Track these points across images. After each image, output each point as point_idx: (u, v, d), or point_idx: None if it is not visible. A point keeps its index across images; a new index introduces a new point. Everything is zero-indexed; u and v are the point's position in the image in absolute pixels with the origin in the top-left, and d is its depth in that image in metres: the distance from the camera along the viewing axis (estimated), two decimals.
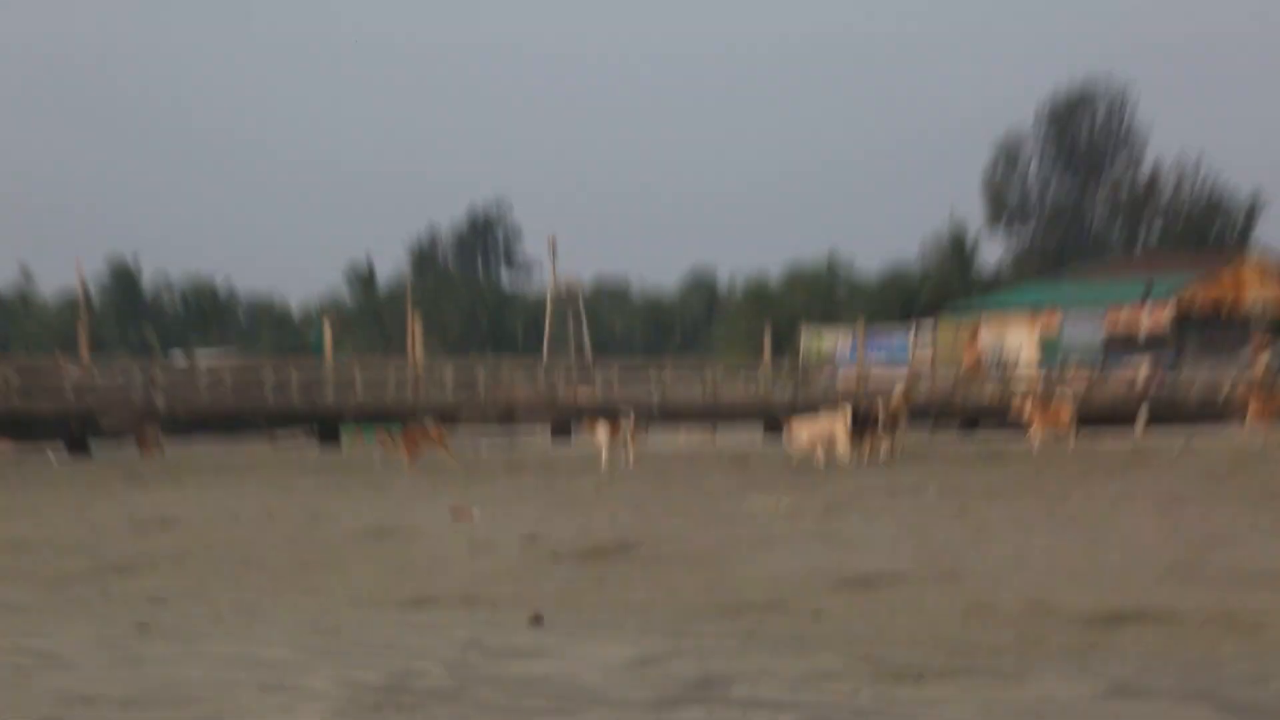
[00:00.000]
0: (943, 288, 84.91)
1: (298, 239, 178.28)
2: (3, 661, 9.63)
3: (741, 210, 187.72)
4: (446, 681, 8.60)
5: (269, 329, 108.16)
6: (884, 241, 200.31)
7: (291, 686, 8.54)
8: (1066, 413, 31.00)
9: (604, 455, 28.54)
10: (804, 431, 27.01)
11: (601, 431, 29.21)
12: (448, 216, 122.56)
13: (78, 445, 42.14)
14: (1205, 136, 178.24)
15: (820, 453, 26.62)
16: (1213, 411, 47.03)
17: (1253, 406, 31.65)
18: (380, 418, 45.33)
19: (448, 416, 44.98)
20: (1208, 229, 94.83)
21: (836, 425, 27.07)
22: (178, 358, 58.15)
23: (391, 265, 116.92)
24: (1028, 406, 31.76)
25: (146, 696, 8.39)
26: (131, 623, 11.05)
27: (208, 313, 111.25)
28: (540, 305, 77.48)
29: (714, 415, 45.34)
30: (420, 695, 8.26)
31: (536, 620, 10.74)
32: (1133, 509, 17.26)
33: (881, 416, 28.21)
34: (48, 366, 48.74)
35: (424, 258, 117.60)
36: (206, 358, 57.09)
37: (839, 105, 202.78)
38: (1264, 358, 51.80)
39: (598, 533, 16.20)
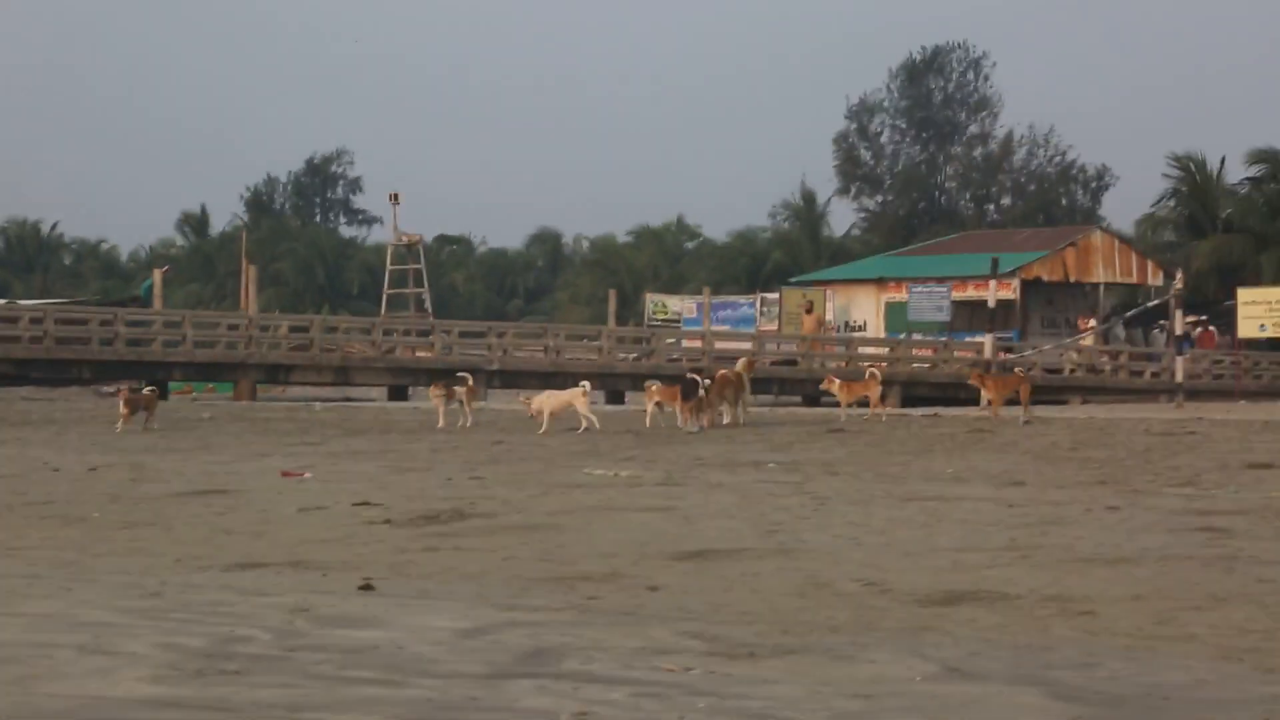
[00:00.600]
0: (792, 254, 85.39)
1: (129, 185, 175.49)
2: None
3: (589, 171, 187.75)
4: (272, 648, 8.43)
5: (97, 276, 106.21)
6: (733, 206, 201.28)
7: (111, 649, 8.33)
8: (875, 389, 31.06)
9: (441, 418, 28.30)
10: (544, 404, 27.20)
11: (438, 393, 28.95)
12: (285, 169, 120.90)
13: None
14: (1057, 107, 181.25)
15: (547, 424, 26.66)
16: (1056, 387, 47.75)
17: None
18: (211, 370, 44.72)
19: (280, 372, 44.48)
20: (1057, 201, 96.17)
21: (576, 399, 27.32)
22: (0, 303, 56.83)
23: (227, 215, 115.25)
24: (834, 384, 31.86)
25: None
26: None
27: (31, 255, 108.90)
28: (380, 260, 76.84)
29: (555, 379, 45.20)
30: (244, 661, 8.09)
31: (366, 587, 10.56)
32: (970, 488, 17.40)
33: (714, 386, 28.23)
34: None
35: (260, 207, 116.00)
36: (30, 304, 55.83)
37: (690, 64, 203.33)
38: (1089, 335, 52.60)
39: (432, 498, 16.03)
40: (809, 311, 55.11)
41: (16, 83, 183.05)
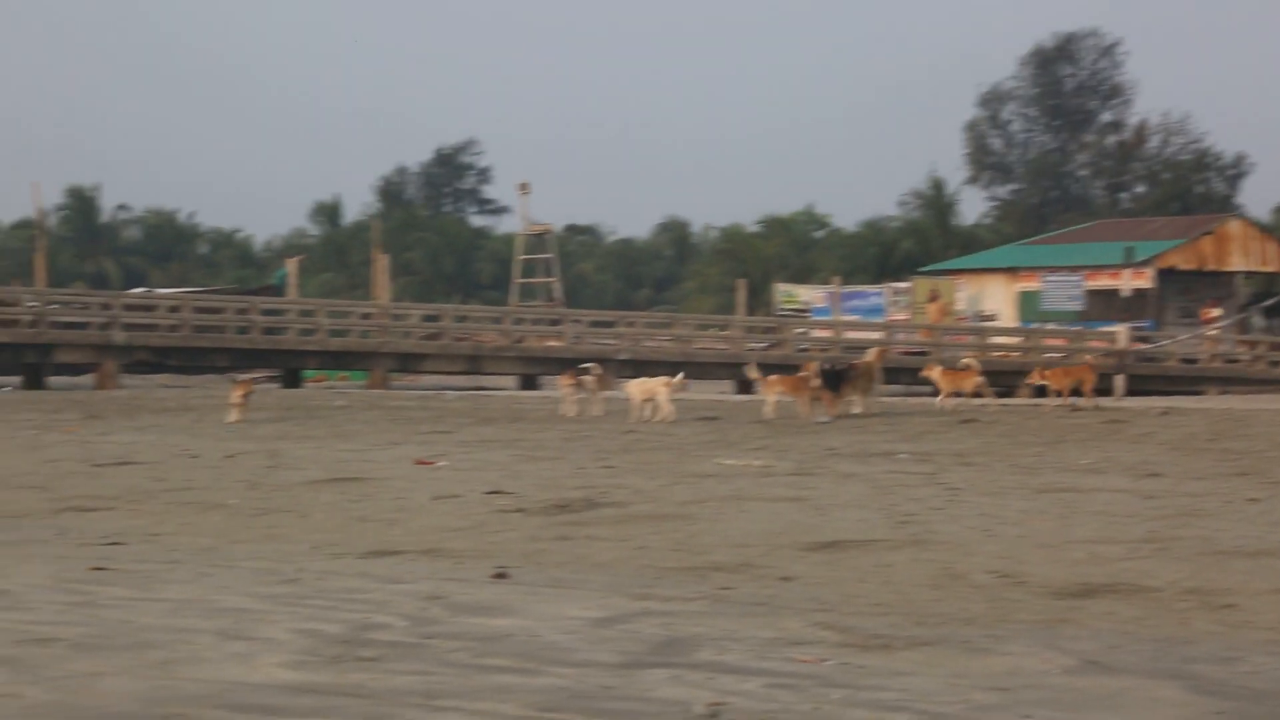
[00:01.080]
0: (922, 243, 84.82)
1: (265, 175, 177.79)
2: None
3: (718, 161, 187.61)
4: (408, 635, 8.50)
5: (232, 265, 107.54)
6: (863, 196, 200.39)
7: (250, 635, 8.44)
8: (971, 380, 30.72)
9: (569, 406, 28.38)
10: (633, 391, 27.60)
11: (568, 382, 29.01)
12: (417, 159, 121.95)
13: (33, 378, 41.84)
14: (1192, 95, 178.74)
15: (641, 411, 27.03)
16: (1191, 378, 47.10)
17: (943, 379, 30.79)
18: (344, 359, 45.18)
19: (413, 361, 44.84)
20: (1192, 189, 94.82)
21: (659, 388, 27.49)
22: (139, 291, 57.69)
23: (359, 205, 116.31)
24: (935, 373, 31.58)
25: (102, 640, 8.28)
26: (87, 564, 10.91)
27: (168, 245, 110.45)
28: (510, 249, 77.19)
29: (685, 368, 45.19)
30: (381, 648, 8.15)
31: (500, 575, 10.61)
32: (1106, 479, 17.19)
33: (851, 375, 28.26)
34: (3, 296, 48.36)
35: (392, 197, 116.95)
36: (167, 292, 56.65)
37: (822, 54, 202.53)
38: (1214, 324, 51.76)
39: (564, 487, 16.08)
40: (933, 300, 54.71)
41: (156, 73, 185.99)
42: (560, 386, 29.45)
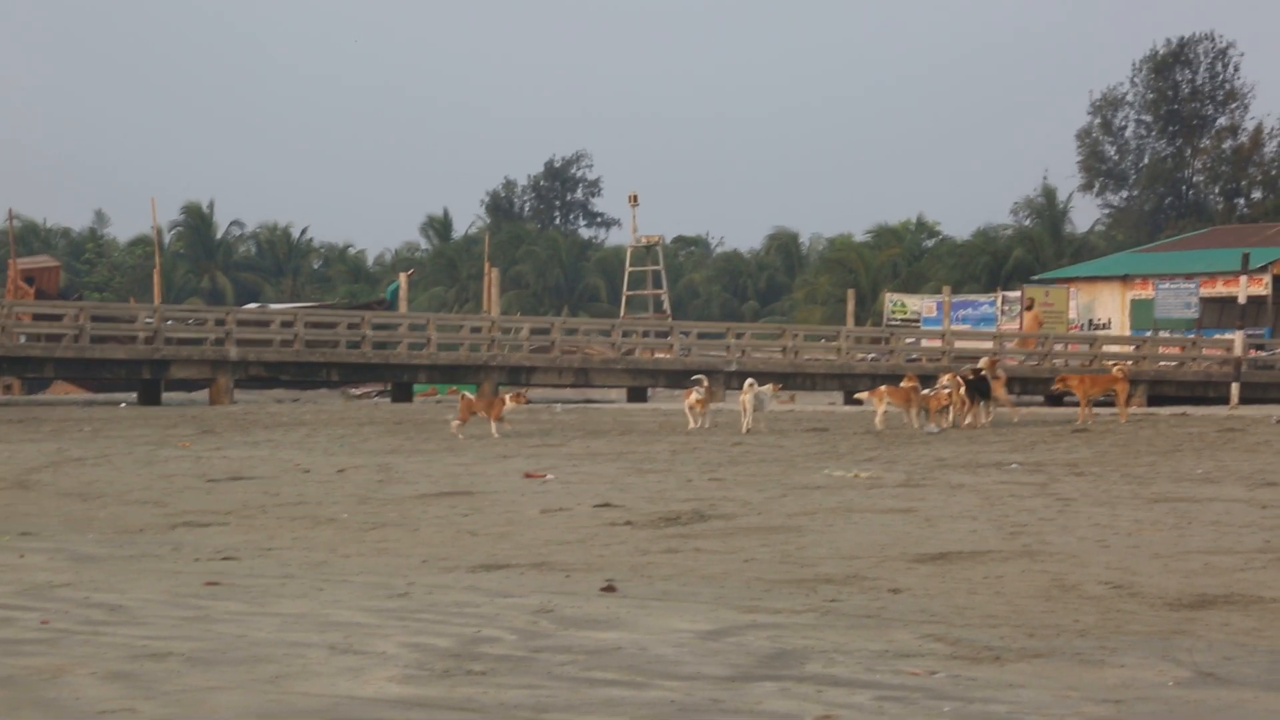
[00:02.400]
0: (1034, 251, 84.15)
1: (376, 190, 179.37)
2: (72, 614, 9.63)
3: (827, 170, 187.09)
4: (517, 649, 8.54)
5: (344, 279, 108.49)
6: (975, 204, 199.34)
7: (361, 649, 8.51)
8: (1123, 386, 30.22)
9: (689, 420, 28.35)
10: (744, 396, 28.05)
11: (689, 397, 28.95)
12: (526, 172, 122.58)
13: (149, 394, 42.39)
14: None
15: (748, 419, 27.54)
16: None
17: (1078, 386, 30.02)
18: (454, 373, 45.45)
19: (522, 374, 45.03)
20: None
21: (744, 396, 27.91)
22: (252, 307, 58.32)
23: (469, 219, 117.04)
24: (1072, 381, 31.12)
25: (215, 654, 8.38)
26: (201, 578, 11.04)
27: (282, 260, 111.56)
28: (618, 261, 77.34)
29: (794, 379, 45.14)
30: (490, 662, 8.19)
31: (609, 588, 10.63)
32: (1221, 489, 16.98)
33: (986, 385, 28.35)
34: (121, 312, 49.04)
35: (501, 210, 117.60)
36: (280, 307, 57.23)
37: (932, 61, 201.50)
38: None
39: (672, 499, 16.08)
40: (1028, 309, 54.24)
41: (271, 92, 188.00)
42: (688, 400, 29.23)
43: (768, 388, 28.83)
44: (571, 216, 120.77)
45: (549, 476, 18.79)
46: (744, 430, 27.23)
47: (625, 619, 9.44)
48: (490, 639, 8.79)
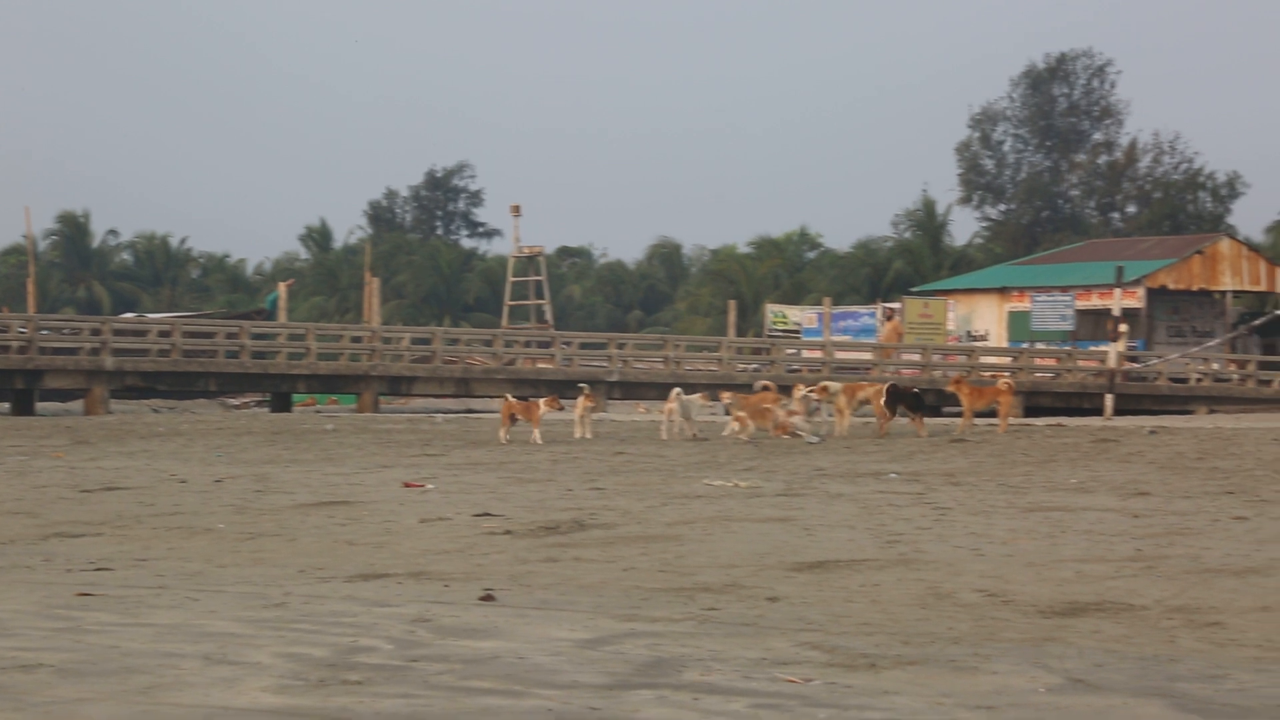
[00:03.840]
0: (913, 263, 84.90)
1: (255, 200, 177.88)
2: None
3: (710, 183, 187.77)
4: (394, 658, 8.49)
5: (223, 289, 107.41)
6: (856, 217, 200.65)
7: (236, 659, 8.42)
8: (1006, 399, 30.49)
9: (503, 430, 28.01)
10: (670, 404, 28.54)
11: (506, 408, 28.64)
12: (406, 183, 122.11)
13: (22, 404, 41.77)
14: (1184, 115, 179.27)
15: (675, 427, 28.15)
16: (1182, 397, 47.16)
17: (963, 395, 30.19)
18: (334, 382, 45.16)
19: (403, 384, 44.81)
20: (1183, 208, 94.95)
21: (670, 404, 28.37)
22: (129, 316, 57.66)
23: (350, 230, 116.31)
24: (963, 388, 31.27)
25: (86, 665, 8.26)
26: (73, 589, 10.89)
27: (160, 270, 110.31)
28: (501, 271, 77.22)
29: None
30: (367, 671, 8.14)
31: (487, 598, 10.61)
32: (1094, 498, 17.21)
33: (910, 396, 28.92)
34: None
35: (382, 221, 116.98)
36: (158, 317, 56.60)
37: (814, 75, 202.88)
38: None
39: (552, 509, 16.08)
40: (889, 319, 54.71)
41: (144, 98, 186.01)
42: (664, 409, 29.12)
43: (695, 397, 29.11)
44: (454, 227, 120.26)
45: (428, 486, 18.72)
46: (663, 436, 27.78)
47: (503, 628, 9.42)
48: (367, 649, 8.73)
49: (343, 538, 14.05)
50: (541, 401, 28.16)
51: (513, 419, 27.83)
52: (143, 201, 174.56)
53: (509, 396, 29.22)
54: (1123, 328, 52.54)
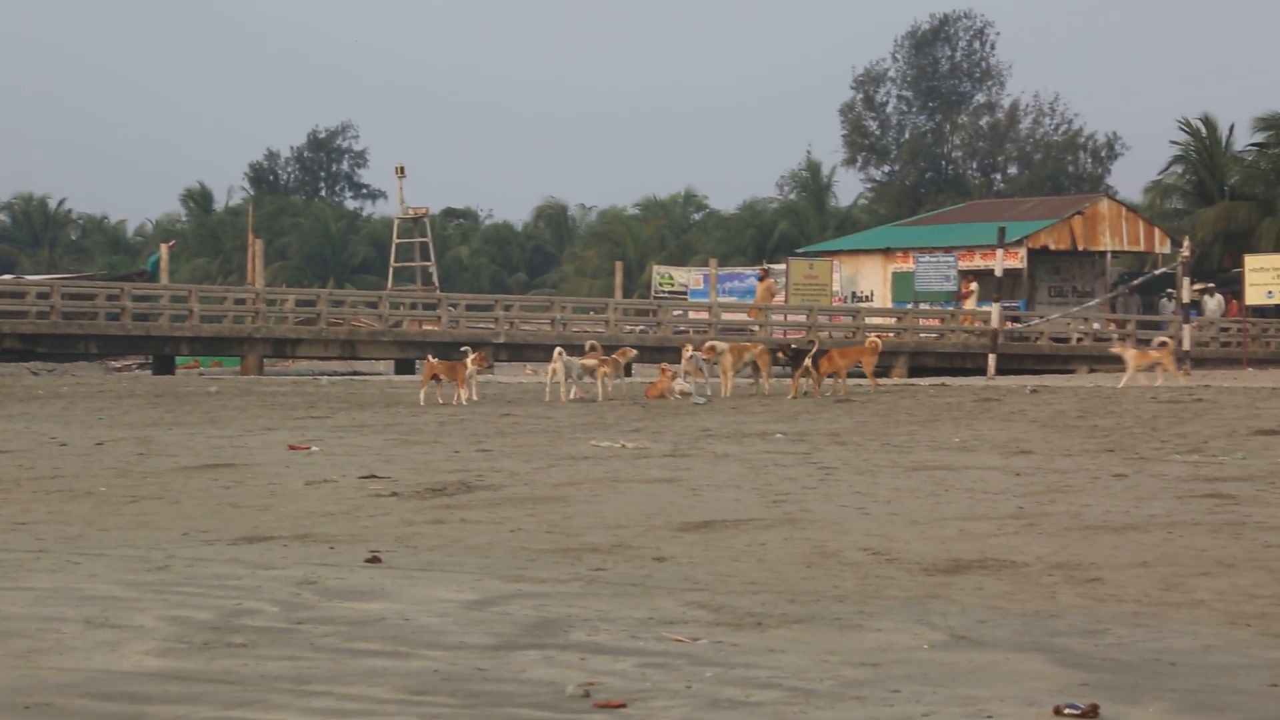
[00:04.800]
0: (799, 225, 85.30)
1: (135, 160, 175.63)
2: None
3: (596, 143, 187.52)
4: (279, 621, 8.44)
5: (103, 251, 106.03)
6: (742, 178, 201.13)
7: (118, 623, 8.34)
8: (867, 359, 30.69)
9: (424, 391, 28.01)
10: (554, 364, 28.47)
11: (428, 368, 28.62)
12: (289, 144, 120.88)
13: None
14: (1064, 76, 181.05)
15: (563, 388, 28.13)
16: (1063, 356, 47.70)
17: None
18: (218, 345, 44.74)
19: (287, 347, 44.47)
20: (1064, 169, 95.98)
21: (555, 364, 28.29)
22: (7, 279, 56.72)
23: (234, 190, 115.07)
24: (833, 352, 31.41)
25: None
26: None
27: (38, 231, 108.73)
28: (386, 233, 76.72)
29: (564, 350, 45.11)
30: (251, 634, 8.09)
31: (373, 559, 10.57)
32: (977, 457, 17.39)
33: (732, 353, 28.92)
34: None
35: (264, 182, 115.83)
36: (36, 279, 55.74)
37: (699, 36, 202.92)
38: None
39: (439, 471, 16.03)
40: (761, 280, 54.92)
41: (22, 56, 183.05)
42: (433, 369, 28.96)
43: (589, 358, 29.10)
44: (338, 188, 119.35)
45: (314, 448, 18.61)
46: (547, 399, 27.71)
47: (390, 590, 9.39)
48: (251, 611, 8.67)
49: (227, 500, 13.95)
50: (469, 360, 27.92)
51: (435, 379, 27.57)
52: (19, 163, 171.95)
53: (430, 356, 28.96)
54: (972, 285, 53.04)
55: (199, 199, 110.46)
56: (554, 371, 28.33)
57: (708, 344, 29.87)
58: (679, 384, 28.15)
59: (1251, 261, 51.79)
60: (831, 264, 57.86)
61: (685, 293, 60.13)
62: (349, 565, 10.37)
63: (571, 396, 28.06)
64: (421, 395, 27.37)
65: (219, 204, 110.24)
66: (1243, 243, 63.51)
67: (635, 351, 29.81)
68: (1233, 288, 54.80)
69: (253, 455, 17.81)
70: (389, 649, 7.77)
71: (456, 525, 12.35)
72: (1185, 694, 6.94)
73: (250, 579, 9.74)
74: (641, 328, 48.84)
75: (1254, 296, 50.69)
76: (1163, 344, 33.16)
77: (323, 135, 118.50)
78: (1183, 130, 72.32)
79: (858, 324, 49.68)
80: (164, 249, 53.96)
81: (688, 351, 29.17)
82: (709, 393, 28.28)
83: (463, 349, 30.26)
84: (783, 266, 57.28)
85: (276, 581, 9.63)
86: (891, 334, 46.56)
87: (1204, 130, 72.15)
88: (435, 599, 9.08)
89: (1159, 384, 30.98)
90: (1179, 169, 74.06)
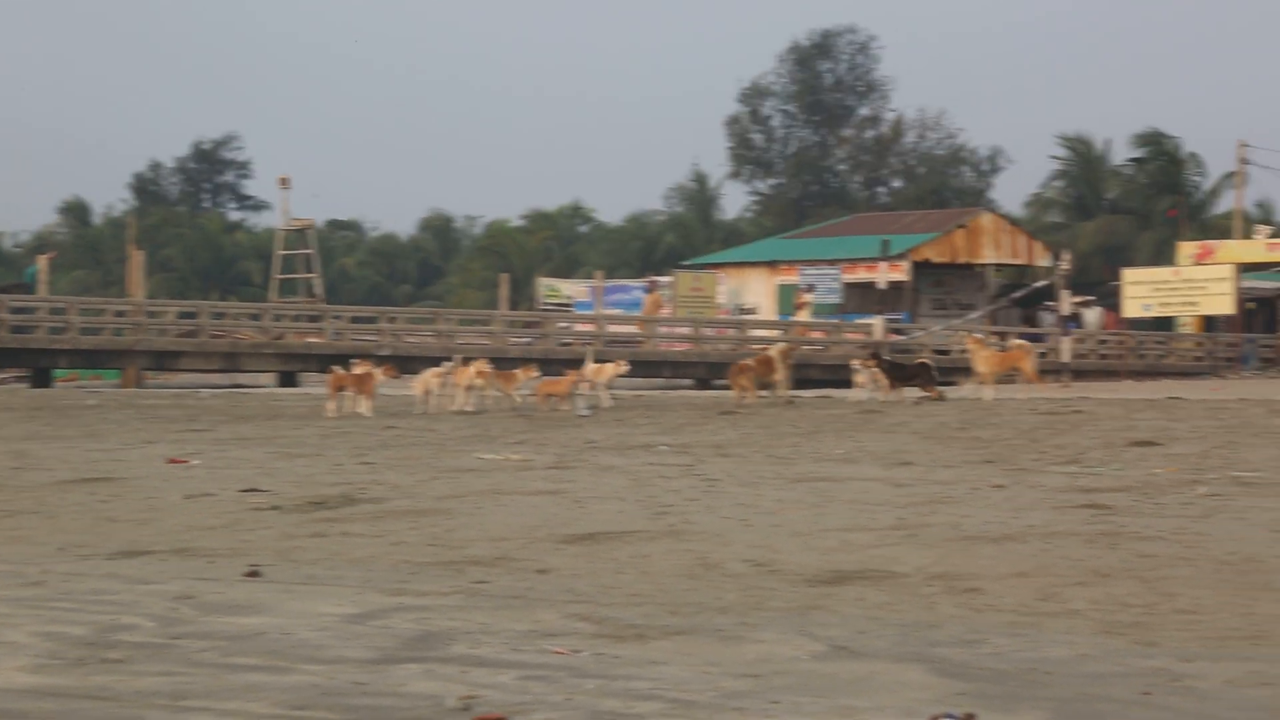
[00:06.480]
0: (685, 237, 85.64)
1: (12, 171, 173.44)
2: None
3: (483, 155, 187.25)
4: (156, 636, 8.35)
5: None
6: (629, 191, 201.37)
7: None
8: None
9: (331, 404, 28.04)
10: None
11: (334, 380, 28.60)
12: (172, 155, 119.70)
13: None
14: (948, 91, 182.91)
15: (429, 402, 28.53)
16: (945, 369, 48.12)
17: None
18: (97, 358, 44.24)
19: (168, 359, 44.03)
20: (947, 183, 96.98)
21: (430, 379, 28.82)
22: None
23: (113, 202, 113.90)
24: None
25: None
26: None
27: None
28: (270, 245, 76.18)
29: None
30: (127, 649, 7.99)
31: (253, 573, 10.48)
32: (859, 468, 17.50)
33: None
34: None
35: (147, 193, 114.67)
36: None
37: (588, 49, 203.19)
38: (805, 312, 52.53)
39: (321, 484, 15.93)
40: (649, 292, 55.16)
41: None
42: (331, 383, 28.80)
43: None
44: (222, 199, 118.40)
45: (194, 462, 18.44)
46: (417, 410, 28.01)
47: (269, 604, 9.31)
48: (128, 626, 8.57)
49: (104, 514, 13.78)
50: (377, 371, 27.81)
51: (342, 390, 27.43)
52: None
53: (336, 368, 28.76)
54: (807, 297, 53.44)
55: (76, 211, 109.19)
56: (428, 385, 28.29)
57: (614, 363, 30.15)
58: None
59: (1129, 275, 52.64)
60: (717, 276, 58.12)
61: (571, 305, 60.19)
62: (228, 579, 10.28)
63: (468, 408, 28.05)
64: (329, 407, 27.19)
65: (97, 216, 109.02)
66: (1121, 256, 64.55)
67: (537, 373, 29.78)
68: (1111, 301, 55.54)
69: (131, 469, 17.61)
70: (267, 664, 7.70)
71: (338, 538, 12.28)
72: (1060, 703, 7.01)
73: (127, 594, 9.62)
74: (527, 340, 48.81)
75: (1131, 309, 51.53)
76: (1019, 344, 33.34)
77: (207, 146, 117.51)
78: (1062, 145, 73.34)
79: (743, 336, 49.93)
80: (42, 261, 53.32)
81: (589, 363, 29.68)
82: (593, 405, 28.30)
83: (351, 361, 30.09)
84: (669, 279, 57.49)
85: (154, 596, 9.52)
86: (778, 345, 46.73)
87: (1081, 146, 73.16)
88: (315, 613, 9.02)
89: (1024, 394, 31.17)
90: (1060, 183, 75.10)
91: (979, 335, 37.93)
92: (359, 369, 28.08)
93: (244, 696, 7.03)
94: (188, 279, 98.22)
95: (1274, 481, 15.65)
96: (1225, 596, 9.50)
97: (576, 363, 31.80)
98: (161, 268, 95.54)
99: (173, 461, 18.50)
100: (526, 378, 29.33)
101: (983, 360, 32.02)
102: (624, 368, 30.15)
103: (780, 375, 30.51)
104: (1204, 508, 13.55)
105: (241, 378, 48.75)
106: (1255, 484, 15.45)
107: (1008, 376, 32.88)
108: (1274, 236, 59.21)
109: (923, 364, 31.72)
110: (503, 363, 37.06)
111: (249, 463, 18.40)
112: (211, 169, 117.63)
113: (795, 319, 48.99)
